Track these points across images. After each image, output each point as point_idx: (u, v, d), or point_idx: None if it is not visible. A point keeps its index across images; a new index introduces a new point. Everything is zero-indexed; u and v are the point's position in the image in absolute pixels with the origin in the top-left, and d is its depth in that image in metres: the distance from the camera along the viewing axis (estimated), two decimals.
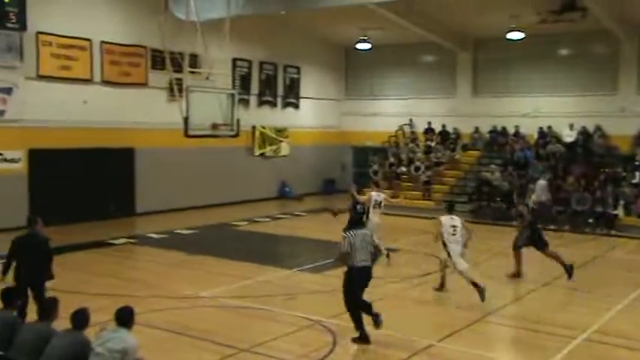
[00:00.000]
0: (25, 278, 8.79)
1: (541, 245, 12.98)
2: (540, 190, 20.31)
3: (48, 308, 6.64)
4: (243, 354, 8.68)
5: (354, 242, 8.99)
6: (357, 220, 9.80)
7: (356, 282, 9.05)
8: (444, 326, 10.01)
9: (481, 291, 11.00)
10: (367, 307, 9.10)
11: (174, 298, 11.54)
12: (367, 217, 13.57)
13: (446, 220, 11.70)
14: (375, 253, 10.26)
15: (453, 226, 11.56)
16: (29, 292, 8.61)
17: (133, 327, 6.43)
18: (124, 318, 6.33)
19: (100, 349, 6.06)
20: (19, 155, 18.42)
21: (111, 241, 16.87)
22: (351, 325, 9.23)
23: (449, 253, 11.47)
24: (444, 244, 11.50)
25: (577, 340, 9.47)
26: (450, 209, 12.07)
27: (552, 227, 19.32)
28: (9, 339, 6.48)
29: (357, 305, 9.04)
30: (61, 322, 6.59)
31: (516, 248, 13.19)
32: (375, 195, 14.60)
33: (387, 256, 14.06)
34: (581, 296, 12.48)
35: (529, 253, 13.65)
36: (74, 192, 19.40)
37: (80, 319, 6.37)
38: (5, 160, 18.13)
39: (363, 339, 9.02)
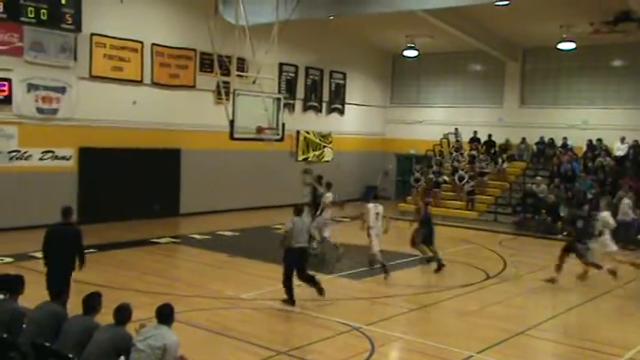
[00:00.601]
0: (55, 267, 9.21)
1: (430, 241, 14.50)
2: (627, 208, 19.36)
3: (92, 302, 6.78)
4: (281, 357, 8.72)
5: (296, 227, 11.08)
6: (299, 209, 11.54)
7: (293, 259, 11.13)
8: (484, 338, 9.87)
9: (386, 271, 13.37)
10: (312, 279, 11.46)
11: (215, 298, 11.67)
12: (321, 212, 15.70)
13: (371, 207, 13.64)
14: (311, 238, 12.50)
15: (377, 213, 13.59)
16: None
17: (174, 324, 6.53)
18: (165, 315, 6.42)
19: (142, 345, 6.17)
20: (70, 153, 18.90)
21: (155, 240, 17.15)
22: (389, 332, 9.65)
23: (369, 235, 13.49)
24: (369, 228, 13.51)
25: (622, 358, 9.24)
26: (375, 198, 14.57)
27: (632, 247, 18.29)
28: (55, 331, 6.65)
29: (290, 279, 11.20)
30: (103, 317, 6.74)
31: (415, 244, 14.63)
32: (330, 196, 16.10)
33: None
34: (627, 313, 12.16)
35: (575, 266, 13.38)
36: (121, 190, 19.80)
37: (123, 314, 6.50)
38: (57, 157, 18.61)
39: (289, 301, 11.17)
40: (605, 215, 14.20)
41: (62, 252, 9.26)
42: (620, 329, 10.89)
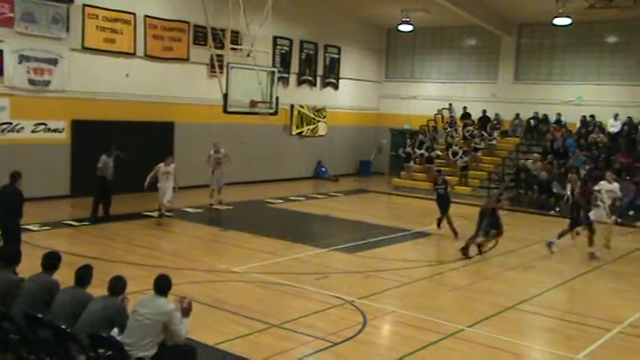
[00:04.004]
0: (4, 222, 10.81)
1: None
2: None
3: (84, 275, 6.80)
4: (274, 329, 8.78)
5: (104, 164, 16.20)
6: (107, 149, 16.33)
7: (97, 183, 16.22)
8: (475, 312, 9.96)
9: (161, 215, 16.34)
10: (107, 205, 16.49)
11: (208, 271, 11.70)
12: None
13: (161, 166, 16.27)
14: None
15: (167, 172, 16.22)
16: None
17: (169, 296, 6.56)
18: (163, 286, 6.48)
19: (139, 315, 6.24)
20: (62, 125, 18.77)
21: (147, 214, 17.13)
22: (382, 306, 9.75)
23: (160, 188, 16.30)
24: (153, 183, 16.34)
25: (611, 332, 9.34)
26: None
27: None
28: (47, 302, 6.65)
29: (97, 198, 16.35)
30: (95, 290, 6.76)
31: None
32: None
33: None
34: (617, 289, 12.27)
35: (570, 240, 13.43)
36: (114, 164, 19.62)
37: (117, 285, 6.54)
38: (49, 130, 18.48)
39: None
40: None
41: (8, 209, 10.82)
42: (610, 304, 11.00)
